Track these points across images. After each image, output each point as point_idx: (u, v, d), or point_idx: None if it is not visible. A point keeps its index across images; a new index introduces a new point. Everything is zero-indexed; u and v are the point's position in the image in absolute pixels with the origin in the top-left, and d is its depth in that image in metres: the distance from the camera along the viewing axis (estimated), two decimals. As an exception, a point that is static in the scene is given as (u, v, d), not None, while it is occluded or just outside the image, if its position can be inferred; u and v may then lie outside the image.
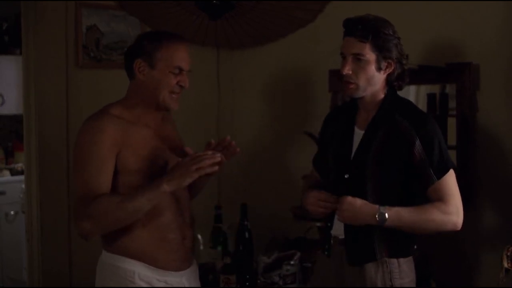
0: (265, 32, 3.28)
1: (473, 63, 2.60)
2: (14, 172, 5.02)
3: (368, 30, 2.01)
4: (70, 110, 3.14)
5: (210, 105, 3.53)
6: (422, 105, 2.73)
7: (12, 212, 4.76)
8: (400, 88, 2.14)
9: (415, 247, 2.12)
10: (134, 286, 2.03)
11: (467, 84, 2.60)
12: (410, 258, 2.10)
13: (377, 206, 2.00)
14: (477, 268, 2.62)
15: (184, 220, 2.12)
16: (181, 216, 2.11)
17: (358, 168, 2.07)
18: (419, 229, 2.04)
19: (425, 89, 2.79)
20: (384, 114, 2.07)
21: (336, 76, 2.81)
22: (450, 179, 2.04)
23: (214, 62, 3.53)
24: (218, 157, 1.94)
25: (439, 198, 2.02)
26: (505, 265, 2.18)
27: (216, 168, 1.95)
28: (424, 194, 2.04)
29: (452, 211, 2.02)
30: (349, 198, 2.01)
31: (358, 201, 2.01)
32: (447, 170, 2.02)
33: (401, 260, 2.07)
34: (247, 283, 2.72)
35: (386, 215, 1.98)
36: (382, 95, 2.10)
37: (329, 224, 2.16)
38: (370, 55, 2.02)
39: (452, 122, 2.66)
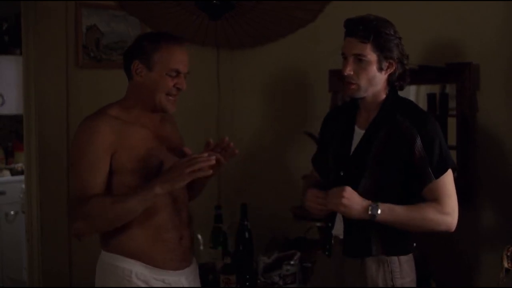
0: (265, 32, 3.28)
1: (473, 63, 2.60)
2: (14, 172, 5.02)
3: (370, 30, 2.00)
4: (70, 110, 3.14)
5: (210, 105, 3.53)
6: (422, 105, 2.72)
7: (12, 212, 4.76)
8: (402, 88, 2.14)
9: (414, 245, 2.11)
10: (132, 285, 2.04)
11: (467, 84, 2.60)
12: (411, 257, 2.10)
13: (370, 201, 2.00)
14: (477, 268, 2.62)
15: (181, 219, 2.12)
16: (178, 216, 2.11)
17: (356, 167, 2.07)
18: (413, 227, 2.04)
19: (425, 89, 2.79)
20: (385, 114, 2.07)
21: (336, 76, 2.82)
22: (448, 179, 2.03)
23: (214, 62, 3.53)
24: (213, 159, 1.94)
25: (436, 198, 2.01)
26: (505, 265, 2.18)
27: (210, 172, 1.95)
28: (420, 193, 2.03)
29: (447, 211, 2.02)
30: (350, 188, 2.00)
31: (356, 193, 2.01)
32: (446, 170, 2.02)
33: (402, 259, 2.06)
34: (247, 283, 2.72)
35: (379, 210, 1.98)
36: (383, 95, 2.10)
37: (330, 224, 2.16)
38: (372, 55, 2.02)
39: (452, 122, 2.66)
